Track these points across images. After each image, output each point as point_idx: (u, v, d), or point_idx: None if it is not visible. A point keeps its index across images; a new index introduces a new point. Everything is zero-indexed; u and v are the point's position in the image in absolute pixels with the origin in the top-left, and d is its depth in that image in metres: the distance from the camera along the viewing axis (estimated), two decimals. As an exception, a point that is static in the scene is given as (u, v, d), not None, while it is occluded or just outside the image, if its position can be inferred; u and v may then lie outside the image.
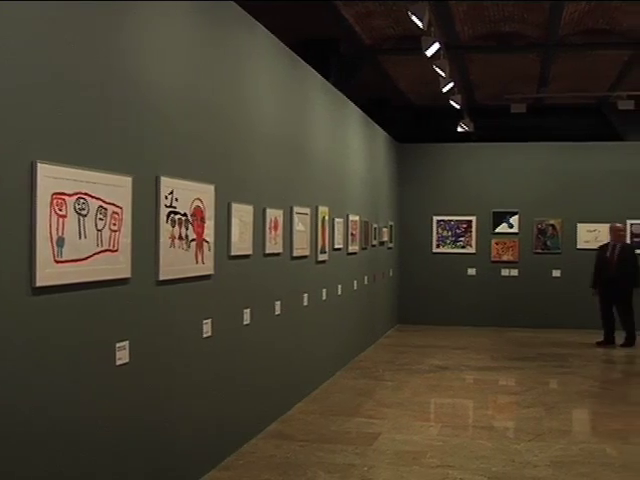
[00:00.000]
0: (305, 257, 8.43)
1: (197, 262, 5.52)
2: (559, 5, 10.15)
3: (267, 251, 7.11)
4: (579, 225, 14.86)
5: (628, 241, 14.06)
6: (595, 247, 13.51)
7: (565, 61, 13.16)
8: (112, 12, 4.39)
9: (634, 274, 12.59)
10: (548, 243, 15.03)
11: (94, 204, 4.17)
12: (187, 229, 5.33)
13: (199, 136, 5.62)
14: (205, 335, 5.71)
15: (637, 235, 14.68)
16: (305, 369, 8.52)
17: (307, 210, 8.44)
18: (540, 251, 15.03)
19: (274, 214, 7.29)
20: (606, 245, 12.96)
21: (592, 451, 6.67)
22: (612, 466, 6.25)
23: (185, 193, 5.29)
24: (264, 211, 7.02)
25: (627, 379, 10.06)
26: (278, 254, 7.47)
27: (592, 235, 14.60)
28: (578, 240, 14.86)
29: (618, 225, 13.15)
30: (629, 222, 14.65)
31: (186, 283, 5.35)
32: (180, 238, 5.22)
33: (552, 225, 15.06)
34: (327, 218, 9.34)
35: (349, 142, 10.93)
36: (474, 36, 11.87)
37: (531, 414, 8.08)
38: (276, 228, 7.36)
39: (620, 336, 12.62)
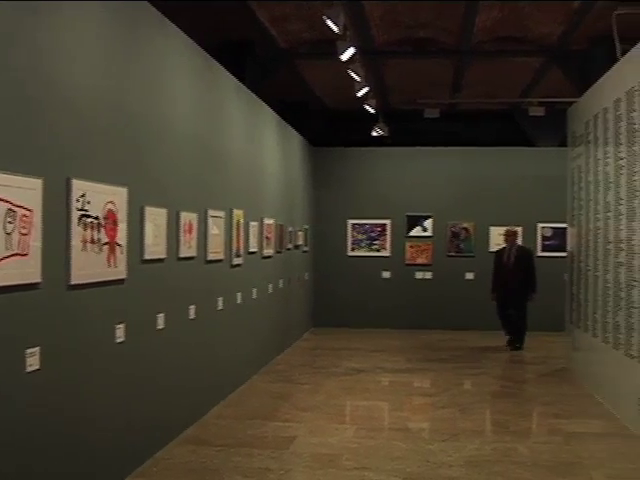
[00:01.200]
0: (220, 261, 8.36)
1: (110, 266, 5.42)
2: (473, 12, 10.31)
3: (181, 255, 7.04)
4: (492, 228, 15.13)
5: (542, 244, 14.39)
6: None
7: (478, 67, 13.37)
8: (22, 11, 4.27)
9: (531, 278, 12.62)
10: (461, 246, 15.26)
11: (2, 207, 4.05)
12: (99, 232, 5.22)
13: (112, 138, 5.52)
14: (118, 340, 5.61)
15: (547, 238, 15.03)
16: (221, 373, 8.45)
17: (222, 213, 8.38)
18: (454, 254, 15.25)
19: (188, 217, 7.21)
20: (503, 249, 13.08)
21: (505, 450, 6.79)
22: (524, 464, 6.37)
23: (97, 196, 5.18)
24: (178, 214, 6.94)
25: (538, 379, 10.26)
26: (192, 258, 7.39)
27: (504, 238, 14.85)
28: (491, 243, 15.11)
29: (510, 228, 13.25)
30: (539, 225, 15.01)
31: (98, 287, 5.25)
32: (92, 242, 5.11)
33: (465, 228, 15.30)
34: (242, 221, 9.29)
35: (264, 145, 10.90)
36: (389, 41, 11.97)
37: (445, 415, 8.18)
38: (190, 231, 7.28)
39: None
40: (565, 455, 6.68)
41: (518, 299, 12.66)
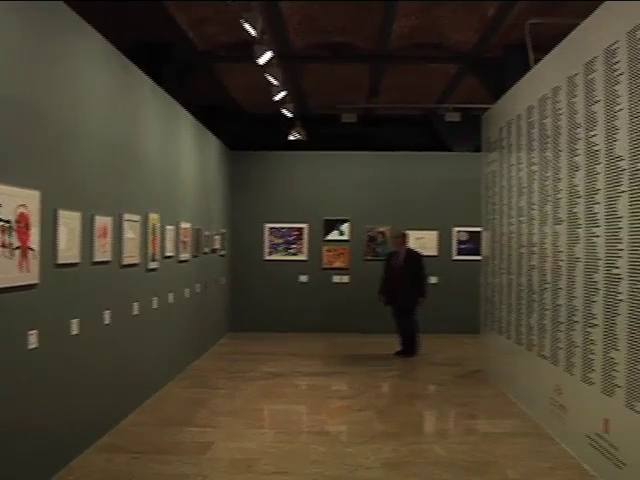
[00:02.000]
0: (135, 265, 8.24)
1: (21, 271, 5.27)
2: (390, 18, 10.41)
3: (95, 259, 6.90)
4: (408, 232, 15.23)
5: (457, 247, 14.57)
6: (424, 254, 13.93)
7: (395, 73, 13.51)
8: None
9: (419, 282, 12.34)
10: (378, 250, 15.35)
11: None
12: (11, 237, 5.08)
13: (24, 140, 5.38)
14: (30, 347, 5.46)
15: (463, 242, 15.25)
16: (136, 379, 8.32)
17: (137, 217, 8.26)
18: (370, 258, 15.34)
19: (103, 221, 7.08)
20: (393, 253, 12.86)
21: (422, 451, 6.86)
22: (441, 465, 6.45)
23: (9, 199, 5.04)
24: (92, 218, 6.80)
25: (453, 381, 10.38)
26: (107, 262, 7.26)
27: (420, 242, 15.03)
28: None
29: (399, 231, 13.16)
30: (455, 229, 15.22)
31: (9, 293, 5.11)
32: (3, 246, 4.97)
33: (382, 232, 15.41)
34: (158, 225, 9.17)
35: (181, 149, 10.79)
36: (307, 46, 12.00)
37: (363, 417, 8.22)
38: (105, 235, 7.15)
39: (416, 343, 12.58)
40: (481, 454, 6.79)
41: (406, 304, 12.35)
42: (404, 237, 12.84)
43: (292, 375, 10.72)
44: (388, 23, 10.68)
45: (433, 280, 15.01)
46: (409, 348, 12.45)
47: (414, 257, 12.56)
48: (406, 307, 12.38)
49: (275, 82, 11.16)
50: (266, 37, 9.63)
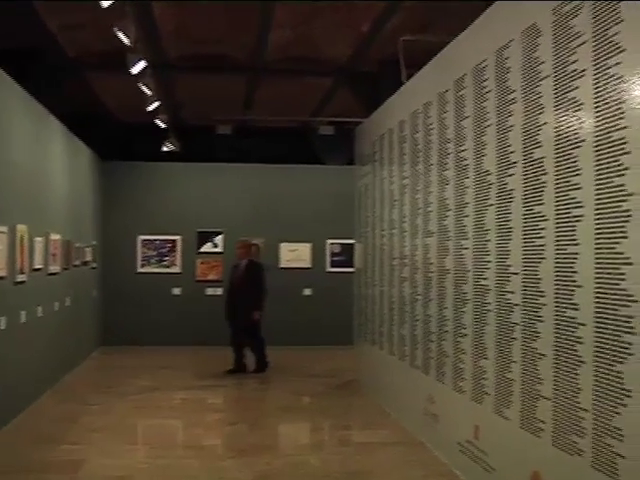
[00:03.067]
0: (2, 278, 7.97)
1: None
2: (266, 30, 10.46)
3: (-39, 271, 6.65)
4: (281, 245, 15.35)
5: (331, 260, 14.71)
6: (298, 266, 14.11)
7: (271, 85, 13.54)
8: None
9: (256, 295, 11.79)
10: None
11: None
12: None
13: None
14: None
15: (336, 254, 15.41)
16: (4, 396, 8.02)
17: (4, 228, 7.98)
18: (244, 270, 15.30)
19: (-31, 232, 6.83)
20: (237, 265, 12.34)
21: (297, 463, 6.88)
22: (316, 476, 6.49)
23: None
24: (-42, 228, 6.56)
25: (328, 392, 10.45)
26: (-27, 274, 7.00)
27: (294, 254, 15.14)
28: (281, 259, 15.33)
29: (244, 241, 12.88)
30: (328, 241, 15.36)
31: None
32: None
33: (256, 244, 15.38)
34: (26, 237, 8.89)
35: (51, 158, 10.52)
36: (182, 56, 11.91)
37: (237, 430, 8.20)
38: (-29, 247, 6.90)
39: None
40: (355, 465, 6.86)
41: (245, 317, 11.72)
42: (247, 247, 12.40)
43: (166, 389, 10.57)
44: (264, 35, 10.73)
45: (307, 292, 15.15)
46: (259, 364, 11.99)
47: (255, 269, 12.05)
48: (247, 322, 11.77)
49: (149, 92, 11.04)
50: (140, 46, 9.50)
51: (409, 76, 8.71)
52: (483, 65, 5.95)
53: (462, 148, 6.46)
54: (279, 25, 10.34)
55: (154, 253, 15.29)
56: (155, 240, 15.29)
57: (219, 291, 15.13)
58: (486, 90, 5.89)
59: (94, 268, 14.01)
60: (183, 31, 10.74)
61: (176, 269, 15.34)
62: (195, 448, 7.44)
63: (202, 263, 15.34)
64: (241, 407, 9.46)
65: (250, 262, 12.17)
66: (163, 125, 13.85)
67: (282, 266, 15.26)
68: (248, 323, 11.78)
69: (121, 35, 8.63)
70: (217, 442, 7.89)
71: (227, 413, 9.14)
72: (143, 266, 15.28)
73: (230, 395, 10.22)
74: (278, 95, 14.22)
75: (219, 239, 15.35)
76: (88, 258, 13.31)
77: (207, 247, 15.37)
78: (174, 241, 15.32)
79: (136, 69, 9.81)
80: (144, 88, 10.82)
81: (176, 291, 15.29)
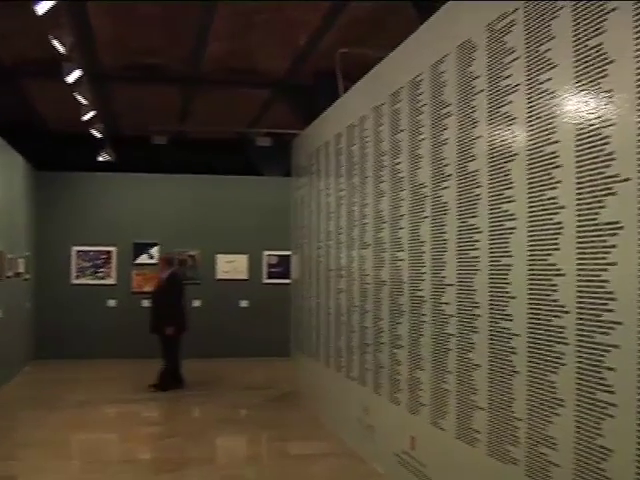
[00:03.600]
0: None
1: None
2: (204, 41, 10.43)
3: None
4: (218, 256, 15.28)
5: (267, 271, 14.70)
6: (235, 278, 14.08)
7: (208, 97, 13.50)
8: None
9: (170, 309, 11.50)
10: (188, 274, 15.22)
11: None
12: None
13: None
14: None
15: (273, 266, 15.40)
16: None
17: None
18: (181, 282, 15.19)
19: None
20: (159, 279, 12.10)
21: (233, 476, 6.87)
22: (252, 490, 6.47)
23: None
24: None
25: (265, 404, 10.42)
26: None
27: (231, 266, 15.11)
28: (217, 270, 15.27)
29: (165, 254, 12.81)
30: (265, 253, 15.35)
31: None
32: None
33: (192, 256, 15.32)
34: (-43, 248, 8.72)
35: (-18, 168, 10.34)
36: (118, 66, 11.81)
37: (174, 444, 8.12)
38: None
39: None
40: (292, 477, 6.86)
41: (159, 330, 11.47)
42: (166, 261, 12.13)
43: (101, 402, 10.42)
44: (201, 47, 10.70)
45: (244, 304, 15.12)
46: (160, 381, 11.44)
47: (173, 281, 11.76)
48: (162, 336, 11.47)
49: (84, 101, 10.91)
50: (76, 55, 9.39)
51: (346, 89, 8.77)
52: (419, 79, 6.02)
53: (397, 161, 6.52)
54: (216, 37, 10.33)
55: (89, 264, 15.09)
56: (90, 251, 15.09)
57: (155, 303, 15.01)
58: (421, 104, 5.96)
59: (27, 280, 13.77)
60: (120, 41, 10.65)
61: (111, 280, 15.16)
62: (131, 462, 7.36)
63: (138, 275, 15.18)
64: (177, 420, 9.38)
65: (171, 274, 11.87)
66: (99, 135, 13.70)
67: (219, 278, 15.22)
68: (163, 338, 11.48)
69: (57, 43, 8.52)
70: (153, 456, 7.81)
71: (163, 426, 9.06)
72: (78, 277, 15.07)
73: (166, 408, 10.13)
74: (215, 106, 14.18)
75: (155, 250, 15.21)
76: (21, 269, 13.07)
77: (143, 258, 15.22)
78: (109, 252, 15.15)
79: (72, 78, 9.70)
80: (80, 97, 10.69)
81: (111, 303, 15.10)
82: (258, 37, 10.46)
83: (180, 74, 12.23)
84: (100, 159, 15.48)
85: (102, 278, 15.14)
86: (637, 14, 3.35)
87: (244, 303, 15.20)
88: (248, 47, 10.88)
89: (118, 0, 9.09)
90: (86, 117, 11.84)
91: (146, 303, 14.85)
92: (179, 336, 11.60)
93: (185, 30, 10.17)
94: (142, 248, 15.20)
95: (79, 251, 15.06)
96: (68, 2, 8.30)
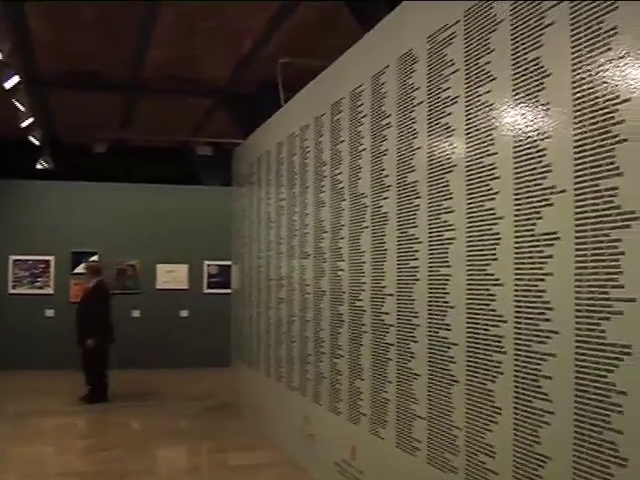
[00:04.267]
0: None
1: None
2: (145, 48, 10.36)
3: None
4: (158, 266, 15.16)
5: (208, 281, 14.62)
6: (175, 287, 13.97)
7: (149, 104, 13.41)
8: None
9: (92, 320, 11.12)
10: (128, 284, 15.07)
11: None
12: None
13: None
14: None
15: (213, 276, 15.33)
16: None
17: None
18: (119, 292, 14.96)
19: None
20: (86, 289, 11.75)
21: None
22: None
23: None
24: None
25: (205, 415, 10.33)
26: None
27: (171, 275, 14.99)
28: (158, 280, 15.15)
29: (91, 263, 12.72)
30: (206, 263, 15.27)
31: None
32: None
33: (132, 266, 15.16)
34: None
35: None
36: (58, 72, 11.65)
37: (114, 456, 8.02)
38: None
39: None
40: (232, 488, 6.82)
41: (81, 342, 11.16)
42: (93, 270, 11.84)
43: (38, 414, 10.23)
44: (143, 53, 10.62)
45: (184, 313, 15.02)
46: (92, 393, 11.18)
47: (98, 291, 11.42)
48: (84, 348, 11.16)
49: (22, 108, 10.74)
50: (13, 60, 9.24)
51: (287, 99, 8.79)
52: (359, 90, 6.05)
53: (338, 171, 6.54)
54: (158, 43, 10.26)
55: (27, 274, 14.85)
56: (28, 260, 14.85)
57: (94, 313, 14.81)
58: (362, 115, 5.99)
59: (-39, 289, 13.49)
60: (59, 46, 10.52)
61: (49, 290, 14.93)
62: (71, 475, 7.25)
63: (76, 284, 14.94)
64: (117, 432, 9.26)
65: (97, 284, 11.54)
66: (37, 142, 13.50)
67: (159, 287, 15.10)
68: (85, 349, 11.16)
69: (-7, 48, 8.39)
70: (92, 469, 7.67)
71: (102, 438, 8.93)
72: (15, 287, 14.81)
73: (105, 420, 9.99)
74: (157, 114, 14.08)
75: (94, 260, 15.01)
76: (-45, 279, 12.81)
77: (82, 268, 14.99)
78: (47, 261, 14.92)
79: (9, 84, 9.54)
80: (17, 104, 10.52)
81: (49, 313, 14.86)
82: (201, 45, 10.42)
83: (121, 81, 12.11)
84: (39, 167, 15.25)
85: (40, 288, 14.90)
86: (574, 28, 3.41)
87: (184, 313, 15.09)
88: (190, 55, 10.83)
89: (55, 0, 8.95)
90: (24, 124, 11.66)
91: (84, 313, 14.70)
92: (105, 347, 11.31)
93: (126, 36, 10.09)
94: (81, 257, 14.98)
95: (17, 260, 14.80)
96: (3, 2, 8.15)
